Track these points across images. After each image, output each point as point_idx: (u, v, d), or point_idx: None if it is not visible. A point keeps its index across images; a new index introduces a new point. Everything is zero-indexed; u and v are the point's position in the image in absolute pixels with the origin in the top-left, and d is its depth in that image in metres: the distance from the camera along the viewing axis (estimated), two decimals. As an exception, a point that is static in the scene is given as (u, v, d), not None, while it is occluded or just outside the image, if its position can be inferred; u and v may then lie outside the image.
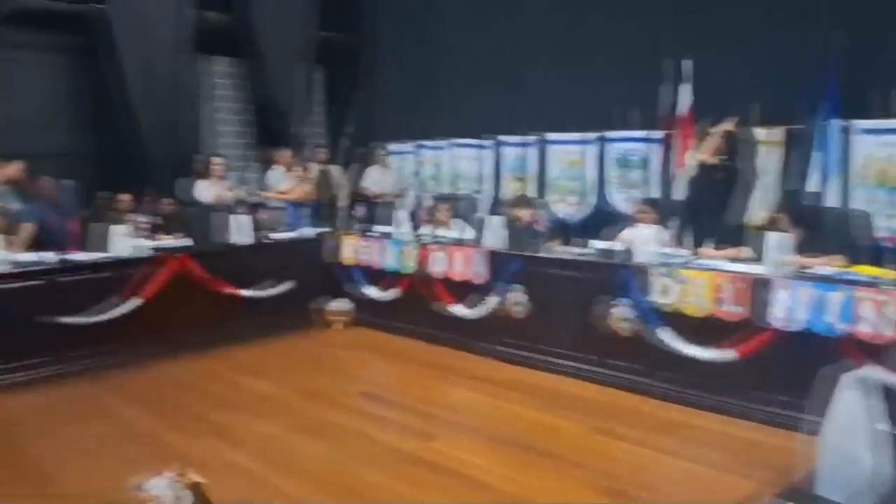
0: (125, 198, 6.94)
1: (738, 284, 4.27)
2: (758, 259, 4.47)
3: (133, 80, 8.31)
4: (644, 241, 4.93)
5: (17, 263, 5.13)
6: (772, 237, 4.36)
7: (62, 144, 8.90)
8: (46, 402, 4.73)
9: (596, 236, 5.47)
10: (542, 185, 7.65)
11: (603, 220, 6.64)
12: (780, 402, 4.04)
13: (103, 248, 5.65)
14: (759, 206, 5.74)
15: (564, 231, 6.63)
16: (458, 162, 8.66)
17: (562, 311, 5.13)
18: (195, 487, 2.96)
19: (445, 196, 7.85)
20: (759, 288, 4.18)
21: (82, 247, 5.89)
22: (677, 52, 6.17)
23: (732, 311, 4.28)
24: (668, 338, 4.51)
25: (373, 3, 9.99)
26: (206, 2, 8.98)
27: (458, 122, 8.52)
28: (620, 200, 6.85)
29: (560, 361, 5.14)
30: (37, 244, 5.63)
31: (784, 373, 4.07)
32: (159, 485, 2.95)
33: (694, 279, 4.44)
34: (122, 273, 5.51)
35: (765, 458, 3.70)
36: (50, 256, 5.33)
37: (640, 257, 4.85)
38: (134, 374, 5.29)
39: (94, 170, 9.04)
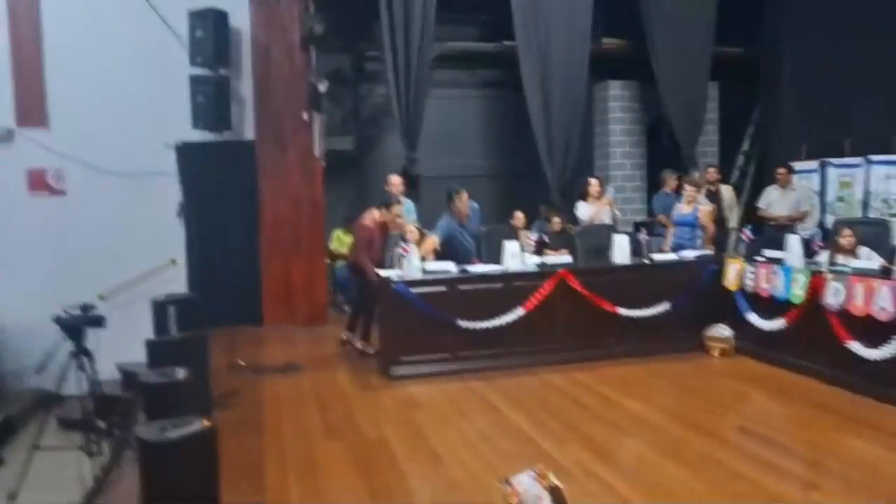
0: (519, 216, 7.58)
1: None
2: None
3: (534, 107, 9.00)
4: None
5: (426, 271, 5.98)
6: None
7: (477, 166, 10.14)
8: (443, 394, 5.40)
9: None
10: None
11: None
12: None
13: (498, 261, 6.25)
14: None
15: None
16: (875, 182, 7.62)
17: None
18: (554, 490, 3.14)
19: (852, 220, 6.97)
20: None
21: (482, 259, 6.63)
22: None
23: None
24: None
25: (774, 15, 9.34)
26: (605, 29, 9.36)
27: (874, 136, 7.51)
28: None
29: None
30: (442, 255, 6.49)
31: None
32: (523, 482, 3.19)
33: None
34: (511, 285, 6.04)
35: None
36: (451, 267, 6.11)
37: None
38: (515, 377, 5.75)
39: (501, 188, 10.11)
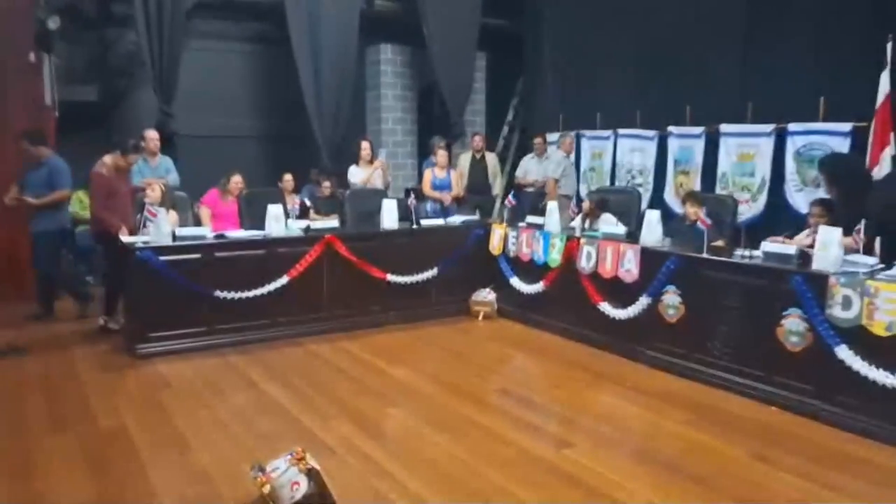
0: (288, 178, 7.18)
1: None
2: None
3: (303, 66, 8.59)
4: (824, 245, 4.31)
5: (177, 237, 5.41)
6: None
7: (243, 127, 9.48)
8: (196, 371, 4.94)
9: (769, 238, 4.92)
10: (710, 180, 7.07)
11: (779, 220, 6.03)
12: None
13: (261, 227, 5.84)
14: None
15: (734, 231, 6.06)
16: (622, 154, 8.21)
17: (723, 318, 4.63)
18: (312, 473, 2.91)
19: (603, 189, 7.46)
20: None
21: (243, 224, 6.16)
22: (879, 30, 5.41)
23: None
24: (846, 357, 3.94)
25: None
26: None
27: (624, 111, 8.07)
28: (800, 200, 6.16)
29: (718, 373, 4.65)
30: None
31: None
32: (278, 466, 2.92)
33: (883, 292, 3.82)
34: (274, 251, 5.67)
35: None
36: (207, 232, 5.58)
37: (817, 264, 4.26)
38: (279, 349, 5.43)
39: (270, 151, 9.56)
